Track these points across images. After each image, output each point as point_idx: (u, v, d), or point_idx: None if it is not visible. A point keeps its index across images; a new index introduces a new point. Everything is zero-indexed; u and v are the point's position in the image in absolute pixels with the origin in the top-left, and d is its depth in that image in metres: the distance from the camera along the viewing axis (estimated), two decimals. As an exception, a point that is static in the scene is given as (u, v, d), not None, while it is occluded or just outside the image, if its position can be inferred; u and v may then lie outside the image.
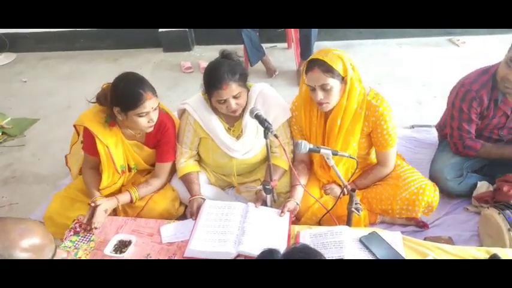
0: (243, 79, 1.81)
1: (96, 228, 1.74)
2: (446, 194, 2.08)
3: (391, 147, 1.86)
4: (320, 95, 1.69)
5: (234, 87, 1.76)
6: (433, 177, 2.10)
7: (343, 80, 1.69)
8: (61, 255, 1.07)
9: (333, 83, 1.67)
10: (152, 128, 1.85)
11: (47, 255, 1.00)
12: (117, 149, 1.92)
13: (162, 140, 1.98)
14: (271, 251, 0.94)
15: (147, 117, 1.78)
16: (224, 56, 1.86)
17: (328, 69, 1.65)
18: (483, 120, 2.00)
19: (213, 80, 1.77)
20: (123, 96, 1.75)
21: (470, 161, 2.10)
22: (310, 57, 1.71)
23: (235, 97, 1.79)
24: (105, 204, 1.81)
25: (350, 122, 1.79)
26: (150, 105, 1.75)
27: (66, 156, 2.25)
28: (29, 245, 0.96)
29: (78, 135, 2.08)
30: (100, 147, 1.86)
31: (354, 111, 1.77)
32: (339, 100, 1.74)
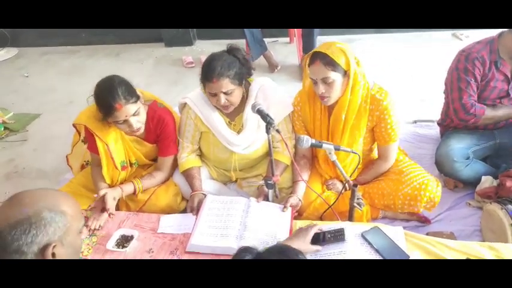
0: (238, 77, 1.79)
1: (113, 214, 1.75)
2: (452, 179, 2.09)
3: (394, 141, 1.85)
4: (322, 88, 1.67)
5: (224, 83, 1.74)
6: (439, 161, 2.11)
7: (345, 73, 1.67)
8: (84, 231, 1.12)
9: (335, 76, 1.65)
10: (139, 131, 1.84)
11: (80, 222, 1.04)
12: (116, 145, 1.92)
13: (162, 135, 1.98)
14: (246, 249, 0.93)
15: (125, 124, 1.77)
16: (229, 50, 1.84)
17: (330, 63, 1.62)
18: (487, 84, 2.01)
19: (205, 72, 1.77)
20: (98, 105, 1.77)
21: (475, 147, 2.11)
22: (313, 50, 1.70)
23: (225, 93, 1.77)
24: (111, 193, 1.81)
25: (355, 116, 1.78)
26: (123, 113, 1.72)
27: (67, 157, 2.25)
28: (69, 206, 1.01)
29: (79, 134, 2.09)
30: (99, 145, 1.86)
31: (359, 105, 1.76)
32: (341, 94, 1.73)
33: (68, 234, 0.98)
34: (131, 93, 1.75)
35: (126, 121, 1.76)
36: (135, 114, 1.77)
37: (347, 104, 1.74)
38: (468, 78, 1.99)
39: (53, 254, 0.94)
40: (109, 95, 1.70)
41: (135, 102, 1.76)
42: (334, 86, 1.67)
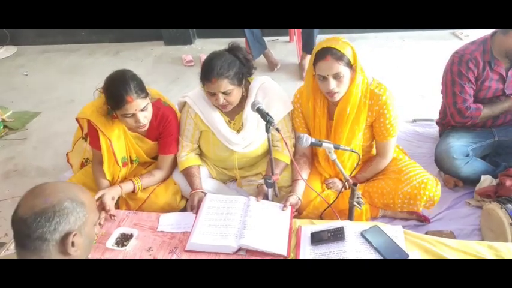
0: (237, 77, 1.78)
1: (114, 215, 1.76)
2: (453, 176, 2.10)
3: (392, 137, 1.85)
4: (333, 84, 1.66)
5: (223, 83, 1.74)
6: (438, 159, 2.12)
7: (351, 67, 1.68)
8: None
9: (345, 71, 1.65)
10: (145, 127, 1.84)
11: (96, 215, 1.08)
12: (119, 141, 1.92)
13: (164, 133, 1.98)
14: None
15: (133, 118, 1.77)
16: (230, 49, 1.84)
17: (341, 57, 1.63)
18: (482, 84, 2.02)
19: (205, 71, 1.77)
20: (108, 97, 1.77)
21: (474, 145, 2.12)
22: (321, 46, 1.67)
23: (224, 93, 1.77)
24: (108, 193, 1.81)
25: (355, 111, 1.78)
26: (133, 107, 1.73)
27: (67, 154, 2.25)
28: (87, 198, 1.05)
29: (82, 129, 2.09)
30: (102, 140, 1.87)
31: (359, 100, 1.76)
32: (347, 89, 1.73)
33: (86, 225, 1.03)
34: (142, 89, 1.77)
35: (134, 115, 1.76)
36: (144, 110, 1.78)
37: (352, 98, 1.74)
38: (462, 82, 2.01)
39: (73, 243, 0.98)
40: (121, 88, 1.71)
41: (145, 97, 1.78)
42: (344, 81, 1.67)
